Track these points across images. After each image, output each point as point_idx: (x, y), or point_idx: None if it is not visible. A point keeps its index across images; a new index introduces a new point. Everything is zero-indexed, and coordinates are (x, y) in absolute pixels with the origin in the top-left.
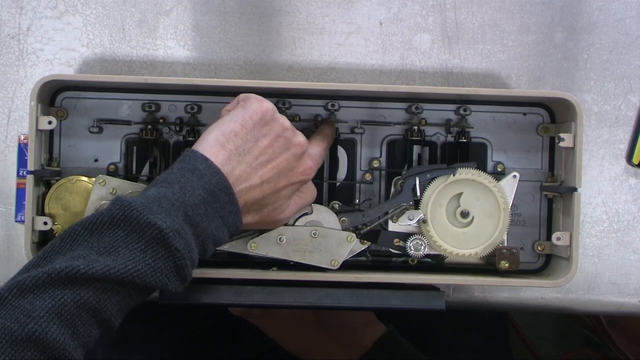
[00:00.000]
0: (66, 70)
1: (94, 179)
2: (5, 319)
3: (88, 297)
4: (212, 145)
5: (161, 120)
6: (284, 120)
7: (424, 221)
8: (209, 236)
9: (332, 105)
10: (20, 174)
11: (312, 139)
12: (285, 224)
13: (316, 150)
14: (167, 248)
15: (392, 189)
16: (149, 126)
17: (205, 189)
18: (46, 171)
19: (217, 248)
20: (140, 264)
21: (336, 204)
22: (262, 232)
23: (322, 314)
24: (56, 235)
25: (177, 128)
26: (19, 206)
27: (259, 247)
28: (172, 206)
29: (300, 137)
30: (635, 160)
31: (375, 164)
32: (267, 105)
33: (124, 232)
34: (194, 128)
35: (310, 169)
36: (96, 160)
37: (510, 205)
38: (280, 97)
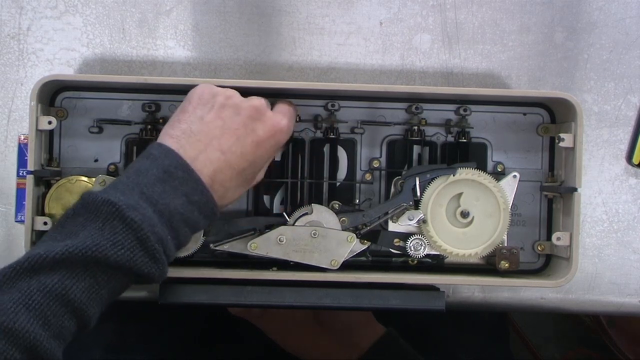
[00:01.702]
0: (66, 70)
1: (94, 179)
2: None
3: (53, 284)
4: (162, 138)
5: (161, 120)
6: (226, 91)
7: (424, 221)
8: (175, 214)
9: (332, 105)
10: (20, 174)
11: (276, 101)
12: (285, 224)
13: (283, 106)
14: (123, 220)
15: (392, 189)
16: (149, 126)
17: (159, 168)
18: (46, 171)
19: (217, 247)
20: (98, 239)
21: (336, 204)
22: (262, 232)
23: (321, 314)
24: None
25: None
26: (19, 206)
27: (259, 247)
28: (127, 187)
29: (251, 100)
30: (635, 160)
31: (375, 164)
32: (203, 86)
33: (83, 217)
34: None
35: (279, 122)
36: (96, 160)
37: (510, 205)
38: (280, 97)
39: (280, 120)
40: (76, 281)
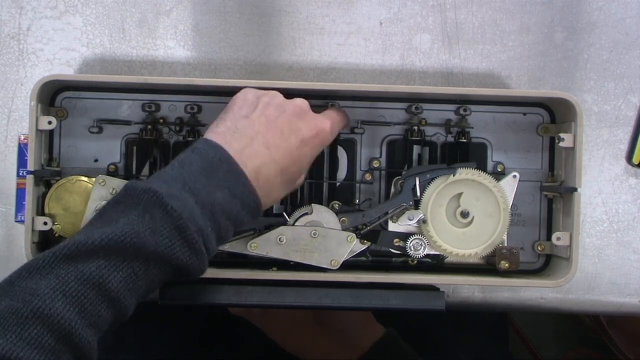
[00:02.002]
0: (66, 70)
1: (94, 179)
2: (12, 299)
3: (91, 273)
4: (206, 135)
5: (161, 120)
6: (271, 92)
7: (424, 221)
8: (217, 206)
9: (332, 105)
10: (20, 174)
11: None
12: (285, 224)
13: (330, 111)
14: (163, 208)
15: (392, 189)
16: (149, 126)
17: (203, 161)
18: (46, 171)
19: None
20: (137, 226)
21: (336, 204)
22: (262, 232)
23: (321, 314)
24: (56, 235)
25: (177, 128)
26: (19, 206)
27: (259, 247)
28: (170, 177)
29: (296, 100)
30: (635, 160)
31: (375, 164)
32: (248, 89)
33: (124, 205)
34: (194, 128)
35: (321, 122)
36: (96, 160)
37: (510, 205)
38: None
39: (322, 121)
40: (114, 270)
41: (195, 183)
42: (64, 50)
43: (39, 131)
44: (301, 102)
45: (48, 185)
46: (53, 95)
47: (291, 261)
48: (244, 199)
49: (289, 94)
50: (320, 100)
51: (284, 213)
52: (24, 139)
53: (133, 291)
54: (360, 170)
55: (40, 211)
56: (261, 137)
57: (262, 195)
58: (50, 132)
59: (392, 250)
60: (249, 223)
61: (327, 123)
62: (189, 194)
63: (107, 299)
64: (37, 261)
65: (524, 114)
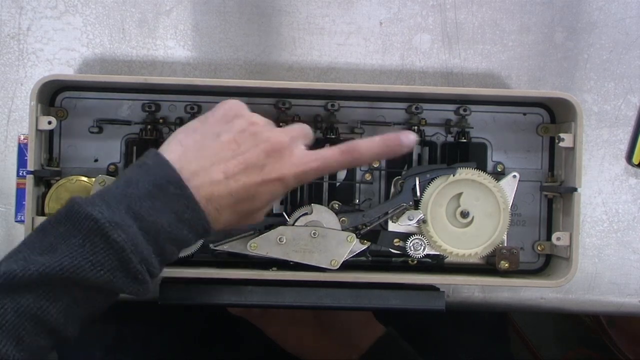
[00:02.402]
0: (66, 70)
1: (93, 179)
2: None
3: (28, 304)
4: (170, 143)
5: (161, 120)
6: (252, 116)
7: (424, 221)
8: (163, 232)
9: (332, 105)
10: (20, 174)
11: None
12: (285, 224)
13: (312, 160)
14: (105, 240)
15: (392, 189)
16: (149, 126)
17: (150, 181)
18: (46, 171)
19: (216, 247)
20: (77, 259)
21: (336, 204)
22: (261, 232)
23: (321, 314)
24: None
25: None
26: (19, 206)
27: (259, 247)
28: (114, 199)
29: (274, 134)
30: (635, 160)
31: (375, 164)
32: (233, 102)
33: (65, 228)
34: None
35: (289, 169)
36: (96, 160)
37: (510, 205)
38: (280, 97)
39: (290, 168)
40: (52, 301)
41: (140, 206)
42: (64, 50)
43: (39, 131)
44: (278, 138)
45: (48, 185)
46: (53, 95)
47: (291, 261)
48: (193, 223)
49: (289, 94)
50: (320, 100)
51: (284, 213)
52: (24, 139)
53: (74, 318)
54: (360, 170)
55: (40, 211)
56: (222, 165)
57: (210, 220)
58: (50, 132)
59: (392, 250)
60: (195, 242)
61: (295, 170)
62: (133, 219)
63: (46, 330)
64: None
65: (524, 114)
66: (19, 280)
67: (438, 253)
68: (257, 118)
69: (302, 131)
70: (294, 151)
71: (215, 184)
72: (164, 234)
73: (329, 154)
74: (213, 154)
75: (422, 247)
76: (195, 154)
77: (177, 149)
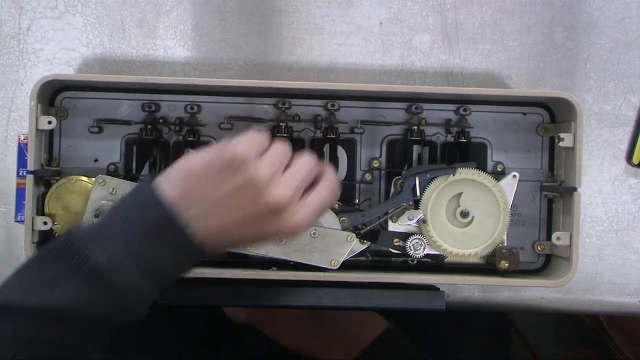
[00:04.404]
0: (66, 70)
1: (93, 179)
2: None
3: (26, 332)
4: (172, 178)
5: (161, 120)
6: (257, 170)
7: (424, 221)
8: (163, 274)
9: (332, 105)
10: (20, 174)
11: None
12: None
13: (318, 199)
14: (105, 284)
15: (392, 189)
16: (149, 126)
17: (148, 221)
18: (46, 171)
19: None
20: (74, 301)
21: (336, 204)
22: None
23: (319, 313)
24: (56, 235)
25: (177, 128)
26: (19, 206)
27: (259, 247)
28: (112, 239)
29: (277, 191)
30: (635, 160)
31: (375, 164)
32: (243, 149)
33: (65, 263)
34: (193, 128)
35: (293, 226)
36: (96, 160)
37: (510, 205)
38: (280, 97)
39: (292, 229)
40: (50, 332)
41: (139, 247)
42: (64, 50)
43: (38, 131)
44: (280, 198)
45: (48, 185)
46: (53, 95)
47: (291, 261)
48: (191, 260)
49: (289, 94)
50: (320, 100)
51: None
52: (24, 139)
53: (67, 348)
54: (360, 170)
55: (40, 211)
56: (218, 218)
57: (208, 254)
58: (50, 132)
59: (392, 250)
60: (190, 270)
61: (291, 232)
62: (134, 262)
63: (43, 356)
64: None
65: (524, 114)
66: (17, 310)
67: (438, 253)
68: (261, 171)
69: (307, 174)
70: (294, 211)
71: (212, 234)
72: (164, 274)
73: (322, 199)
74: (212, 205)
75: (422, 247)
76: (196, 198)
77: (179, 187)
